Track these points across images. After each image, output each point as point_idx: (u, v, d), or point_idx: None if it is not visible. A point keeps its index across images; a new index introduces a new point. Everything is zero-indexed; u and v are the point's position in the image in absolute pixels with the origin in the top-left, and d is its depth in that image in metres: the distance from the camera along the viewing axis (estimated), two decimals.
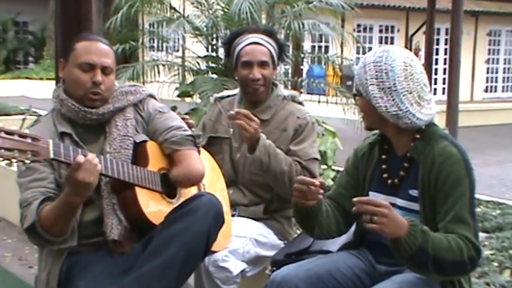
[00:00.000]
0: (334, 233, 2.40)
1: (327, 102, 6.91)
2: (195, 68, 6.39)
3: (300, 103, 3.08)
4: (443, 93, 14.94)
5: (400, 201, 2.24)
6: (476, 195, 2.20)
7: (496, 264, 3.49)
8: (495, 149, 11.53)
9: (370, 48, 14.69)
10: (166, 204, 2.43)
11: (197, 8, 6.41)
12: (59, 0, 3.48)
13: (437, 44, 17.16)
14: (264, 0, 6.11)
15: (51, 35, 19.92)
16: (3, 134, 1.97)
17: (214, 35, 6.35)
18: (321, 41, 14.92)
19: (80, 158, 2.10)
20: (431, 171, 2.15)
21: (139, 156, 2.42)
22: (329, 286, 2.25)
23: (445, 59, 17.15)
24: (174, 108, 4.23)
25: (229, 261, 2.65)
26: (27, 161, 2.03)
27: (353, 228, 2.45)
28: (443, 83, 17.13)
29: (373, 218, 1.96)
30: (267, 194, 2.95)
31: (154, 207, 2.37)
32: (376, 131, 2.35)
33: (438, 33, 17.29)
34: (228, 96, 3.16)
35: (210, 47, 6.41)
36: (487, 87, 20.48)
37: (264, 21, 6.20)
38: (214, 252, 2.58)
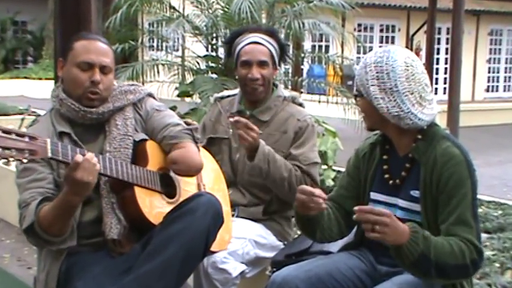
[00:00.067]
0: (336, 235, 2.38)
1: (328, 102, 6.89)
2: (194, 68, 6.37)
3: (301, 104, 3.06)
4: (445, 93, 14.94)
5: (401, 202, 2.23)
6: (478, 196, 2.19)
7: (497, 265, 3.47)
8: (496, 149, 11.51)
9: (370, 48, 14.75)
10: (166, 204, 2.42)
11: (197, 7, 6.39)
12: None
13: (439, 43, 17.14)
14: None
15: (50, 34, 19.89)
16: (0, 133, 1.96)
17: (214, 35, 6.33)
18: (322, 41, 14.97)
19: (79, 157, 2.08)
20: (433, 172, 2.14)
21: (138, 155, 2.42)
22: (329, 287, 2.24)
23: (446, 59, 17.14)
24: (173, 108, 4.21)
25: (228, 262, 2.64)
26: (25, 160, 2.01)
27: (353, 228, 2.44)
28: (445, 83, 17.15)
29: (375, 227, 1.95)
30: (266, 195, 2.93)
31: (153, 207, 2.36)
32: (377, 131, 2.34)
33: (439, 33, 17.33)
34: (228, 96, 3.14)
35: (209, 46, 6.39)
36: (488, 86, 20.47)
37: (264, 21, 6.18)
38: (213, 252, 2.56)
